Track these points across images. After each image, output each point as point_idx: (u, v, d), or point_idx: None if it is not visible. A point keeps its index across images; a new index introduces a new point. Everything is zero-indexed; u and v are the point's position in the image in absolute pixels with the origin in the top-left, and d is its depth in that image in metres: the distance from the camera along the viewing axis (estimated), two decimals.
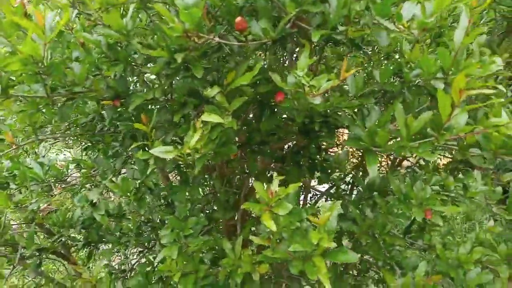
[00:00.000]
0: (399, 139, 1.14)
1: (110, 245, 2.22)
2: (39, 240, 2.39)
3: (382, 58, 2.83)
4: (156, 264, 1.93)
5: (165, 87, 1.30)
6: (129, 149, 1.33)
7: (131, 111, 1.23)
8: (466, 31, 0.99)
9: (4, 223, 1.99)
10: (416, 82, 1.27)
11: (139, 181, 1.43)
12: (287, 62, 2.46)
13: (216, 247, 1.76)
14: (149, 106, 1.36)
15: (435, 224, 1.87)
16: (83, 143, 3.29)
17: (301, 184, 2.15)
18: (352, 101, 1.31)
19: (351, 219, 1.67)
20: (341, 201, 1.08)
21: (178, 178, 2.35)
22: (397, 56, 2.41)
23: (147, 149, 1.35)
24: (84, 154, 2.73)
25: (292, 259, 1.15)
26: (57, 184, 1.89)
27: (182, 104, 1.25)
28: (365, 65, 2.36)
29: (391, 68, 1.31)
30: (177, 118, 1.19)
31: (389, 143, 1.14)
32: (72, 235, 2.11)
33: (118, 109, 1.24)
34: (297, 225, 1.11)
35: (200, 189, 2.34)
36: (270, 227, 0.97)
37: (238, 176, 2.67)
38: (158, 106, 1.33)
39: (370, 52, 2.22)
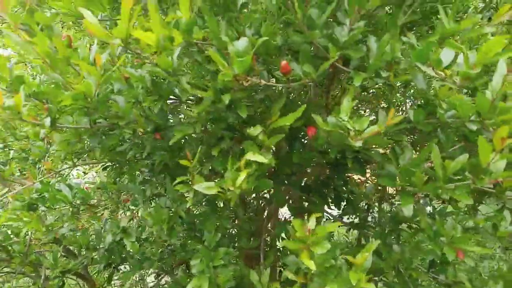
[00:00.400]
0: (433, 180, 1.16)
1: (129, 267, 2.24)
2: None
3: (399, 86, 2.87)
4: None
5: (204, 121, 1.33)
6: (164, 177, 1.35)
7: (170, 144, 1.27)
8: (503, 76, 1.02)
9: (29, 244, 2.02)
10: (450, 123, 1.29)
11: (170, 209, 1.45)
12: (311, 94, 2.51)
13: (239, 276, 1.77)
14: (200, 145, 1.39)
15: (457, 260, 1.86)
16: (103, 163, 3.34)
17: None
18: (384, 139, 1.33)
19: (375, 252, 1.67)
20: (378, 241, 1.08)
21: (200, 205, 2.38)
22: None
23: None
24: (106, 175, 2.78)
25: None
26: (83, 207, 1.93)
27: (218, 139, 1.29)
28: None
29: (425, 108, 1.33)
30: (215, 152, 1.22)
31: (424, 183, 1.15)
32: (95, 256, 2.13)
33: (157, 141, 1.28)
34: (332, 263, 1.12)
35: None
36: (310, 266, 0.98)
37: (257, 202, 2.68)
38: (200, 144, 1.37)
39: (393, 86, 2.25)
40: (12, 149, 2.42)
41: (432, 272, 1.86)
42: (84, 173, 4.64)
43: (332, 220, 3.45)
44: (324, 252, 1.13)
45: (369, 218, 2.07)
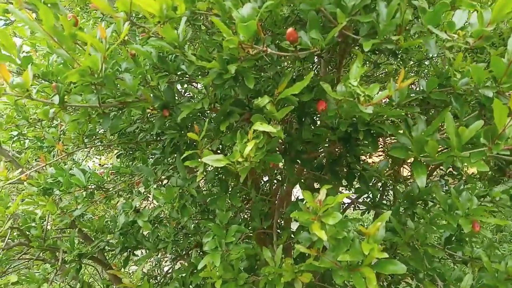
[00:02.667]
0: (447, 148, 1.13)
1: (146, 251, 2.26)
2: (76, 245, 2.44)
3: (412, 65, 2.81)
4: (191, 270, 1.95)
5: (212, 97, 1.32)
6: (175, 156, 1.35)
7: (177, 121, 1.26)
8: None
9: (46, 228, 2.06)
10: (463, 91, 1.25)
11: (181, 188, 1.46)
12: (321, 72, 2.47)
13: (250, 256, 1.77)
14: (195, 116, 1.38)
15: (474, 236, 1.82)
16: (117, 151, 3.37)
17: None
18: (396, 110, 1.30)
19: (390, 229, 1.65)
20: (390, 212, 1.06)
21: (212, 186, 2.39)
22: (434, 63, 2.39)
23: (190, 157, 1.38)
24: (120, 161, 2.80)
25: (338, 269, 1.15)
26: (97, 191, 1.95)
27: (227, 114, 1.27)
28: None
29: (437, 77, 1.30)
30: (224, 127, 1.21)
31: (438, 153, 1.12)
32: (111, 241, 2.17)
33: (166, 119, 1.27)
34: (344, 234, 1.10)
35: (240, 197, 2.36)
36: (321, 236, 0.97)
37: (269, 184, 2.68)
38: (202, 115, 1.36)
39: (404, 61, 2.20)
40: (27, 138, 2.45)
41: (448, 249, 1.83)
42: (100, 165, 4.70)
43: (347, 204, 3.42)
44: (336, 224, 1.11)
45: (384, 198, 2.05)
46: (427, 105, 1.76)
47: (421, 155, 1.16)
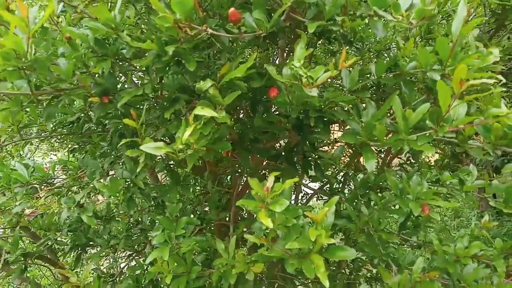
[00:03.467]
0: (396, 132, 1.12)
1: (99, 249, 2.16)
2: (24, 244, 2.30)
3: (372, 56, 2.83)
4: (146, 267, 1.88)
5: (155, 83, 1.26)
6: (118, 147, 1.27)
7: (120, 109, 1.18)
8: (463, 21, 0.97)
9: None
10: (412, 75, 1.25)
11: (128, 181, 1.38)
12: (278, 59, 2.43)
13: (208, 248, 1.73)
14: (139, 104, 1.31)
15: (429, 221, 1.86)
16: (70, 146, 3.21)
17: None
18: (347, 96, 1.29)
19: (345, 216, 1.65)
20: (337, 197, 1.04)
21: (168, 178, 2.31)
22: (390, 53, 2.41)
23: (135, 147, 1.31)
24: (71, 156, 2.66)
25: (288, 258, 1.12)
26: (42, 187, 1.83)
27: (173, 100, 1.21)
28: (357, 62, 2.35)
29: (387, 62, 1.29)
30: (168, 114, 1.14)
31: (386, 137, 1.12)
32: (59, 239, 2.05)
33: (106, 107, 1.19)
34: (293, 222, 1.07)
35: (191, 190, 2.30)
36: (267, 224, 0.93)
37: (229, 176, 2.63)
38: (148, 103, 1.28)
39: (361, 49, 2.20)
40: None
41: (403, 234, 1.86)
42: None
43: (310, 194, 3.44)
44: (285, 211, 1.08)
45: (345, 188, 2.05)
46: (382, 93, 1.77)
47: (370, 140, 1.15)
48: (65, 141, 3.70)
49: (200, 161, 2.31)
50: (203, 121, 1.06)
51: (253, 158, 2.16)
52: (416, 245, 1.90)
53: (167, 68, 1.07)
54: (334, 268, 2.41)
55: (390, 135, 1.14)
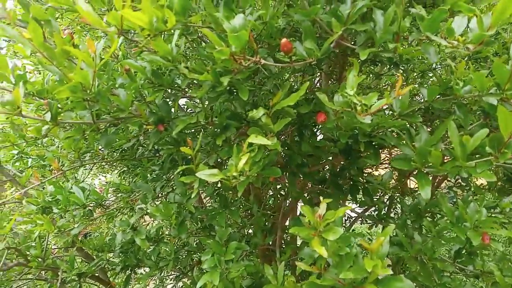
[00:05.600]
0: (452, 158, 1.09)
1: (147, 269, 2.22)
2: (77, 264, 2.40)
3: (416, 76, 2.77)
4: None
5: (207, 111, 1.30)
6: (174, 172, 1.32)
7: (173, 136, 1.23)
8: None
9: (46, 248, 2.02)
10: (466, 99, 1.22)
11: (179, 205, 1.42)
12: (319, 82, 2.44)
13: (254, 273, 1.72)
14: (191, 131, 1.36)
15: (485, 248, 1.75)
16: (120, 168, 3.35)
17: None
18: (398, 120, 1.27)
19: (397, 243, 1.59)
20: (394, 225, 1.02)
21: (216, 202, 2.34)
22: (436, 73, 2.35)
23: (186, 173, 1.35)
24: (121, 178, 2.78)
25: (341, 287, 1.09)
26: (97, 209, 1.92)
27: (224, 127, 1.24)
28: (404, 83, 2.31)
29: (438, 85, 1.26)
30: (220, 141, 1.18)
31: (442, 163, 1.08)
32: (111, 259, 2.12)
33: (161, 134, 1.25)
34: (346, 250, 1.06)
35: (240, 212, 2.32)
36: (322, 253, 0.92)
37: (273, 199, 2.63)
38: (200, 130, 1.33)
39: (407, 71, 2.17)
40: (30, 157, 2.44)
41: (458, 262, 1.77)
42: (107, 182, 4.68)
43: (354, 218, 3.35)
44: (337, 239, 1.07)
45: (391, 212, 1.99)
46: (431, 115, 1.72)
47: (425, 166, 1.12)
48: (114, 164, 3.87)
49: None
50: (256, 148, 1.08)
51: (298, 182, 2.16)
52: (473, 274, 1.79)
53: (220, 96, 1.11)
54: None
55: (445, 161, 1.11)
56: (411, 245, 1.52)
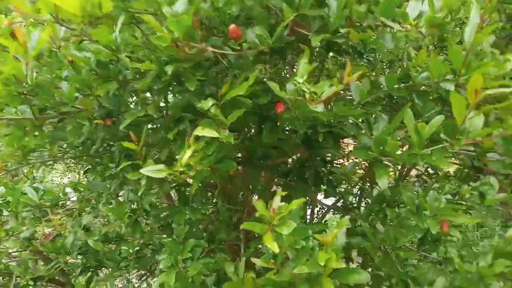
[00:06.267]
0: (409, 147, 1.07)
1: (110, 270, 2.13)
2: (37, 268, 2.29)
3: (385, 66, 2.77)
4: None
5: (160, 104, 1.23)
6: (120, 168, 1.25)
7: (124, 130, 1.16)
8: (477, 27, 0.92)
9: None
10: (425, 86, 1.20)
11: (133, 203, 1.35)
12: (288, 75, 2.40)
13: (219, 270, 1.67)
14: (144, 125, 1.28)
15: (450, 235, 1.77)
16: (85, 166, 3.21)
17: (307, 198, 2.06)
18: (357, 109, 1.24)
19: (361, 233, 1.58)
20: (349, 216, 0.99)
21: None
22: (402, 63, 2.36)
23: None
24: (84, 177, 2.66)
25: (298, 282, 1.06)
26: (53, 209, 1.82)
27: (177, 120, 1.18)
28: (368, 74, 2.30)
29: (398, 73, 1.24)
30: (171, 135, 1.11)
31: (399, 152, 1.06)
32: (73, 261, 2.03)
33: (110, 129, 1.17)
34: (302, 244, 1.02)
35: (203, 209, 2.26)
36: (273, 248, 0.89)
37: (243, 193, 2.58)
38: (151, 124, 1.26)
39: (372, 61, 2.15)
40: None
41: (423, 250, 1.77)
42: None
43: (326, 209, 3.35)
44: (293, 233, 1.03)
45: (350, 199, 1.99)
46: (395, 105, 1.71)
47: (382, 155, 1.09)
48: (80, 162, 3.72)
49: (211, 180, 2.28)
50: (206, 141, 1.03)
51: (265, 176, 2.12)
52: (437, 262, 1.81)
53: (171, 88, 1.04)
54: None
55: (402, 150, 1.09)
56: (374, 235, 1.51)
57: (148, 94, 1.41)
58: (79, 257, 2.02)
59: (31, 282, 1.85)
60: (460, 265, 1.39)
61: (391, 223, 1.55)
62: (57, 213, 1.66)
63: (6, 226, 1.58)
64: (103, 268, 2.15)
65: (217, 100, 0.98)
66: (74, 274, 2.19)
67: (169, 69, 0.89)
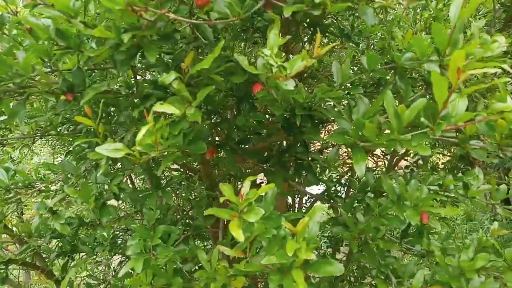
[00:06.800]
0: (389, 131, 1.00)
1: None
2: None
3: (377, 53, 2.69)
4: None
5: (127, 79, 1.15)
6: (74, 146, 1.17)
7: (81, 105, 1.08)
8: (462, 4, 0.85)
9: None
10: (408, 68, 1.13)
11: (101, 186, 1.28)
12: None
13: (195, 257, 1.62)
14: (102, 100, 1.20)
15: (434, 227, 1.72)
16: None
17: (293, 187, 1.99)
18: (337, 91, 1.17)
19: (343, 223, 1.53)
20: (325, 204, 0.93)
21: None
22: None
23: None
24: (66, 157, 2.58)
25: (270, 272, 1.00)
26: (23, 191, 1.74)
27: (144, 97, 1.10)
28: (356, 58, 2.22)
29: (380, 53, 1.17)
30: (136, 112, 1.04)
31: (378, 137, 0.99)
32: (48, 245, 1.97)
33: (70, 104, 1.09)
34: (273, 232, 0.96)
35: (187, 193, 2.20)
36: (238, 237, 0.82)
37: (229, 180, 2.52)
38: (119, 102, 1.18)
39: (360, 44, 2.07)
40: None
41: (406, 243, 1.72)
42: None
43: (313, 199, 3.29)
44: (264, 220, 0.97)
45: (338, 188, 1.93)
46: (379, 88, 1.64)
47: (361, 140, 1.03)
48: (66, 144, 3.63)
49: (196, 163, 2.21)
50: (173, 120, 0.96)
51: (246, 161, 2.05)
52: (420, 254, 1.76)
53: (131, 59, 0.96)
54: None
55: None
56: (355, 225, 1.45)
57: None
58: (53, 241, 1.95)
59: (2, 266, 1.78)
60: (441, 258, 1.34)
61: (373, 213, 1.49)
62: (26, 195, 1.58)
63: None
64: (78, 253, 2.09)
65: (181, 74, 0.90)
66: (48, 258, 2.13)
67: (125, 37, 0.81)
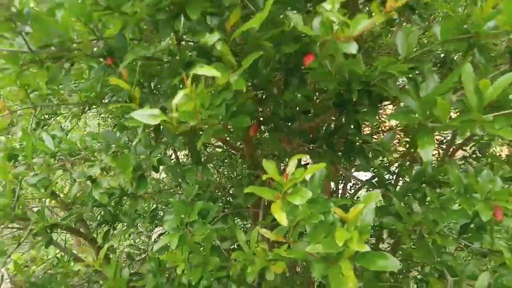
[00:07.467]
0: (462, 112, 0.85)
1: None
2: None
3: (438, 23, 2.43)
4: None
5: (170, 46, 1.08)
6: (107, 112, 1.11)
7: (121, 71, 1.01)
8: None
9: (17, 197, 1.89)
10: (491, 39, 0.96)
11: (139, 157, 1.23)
12: None
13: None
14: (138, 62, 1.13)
15: (497, 224, 1.53)
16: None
17: (341, 172, 1.86)
18: (401, 65, 1.02)
19: (394, 213, 1.39)
20: (380, 190, 0.81)
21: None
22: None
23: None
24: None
25: (313, 260, 0.90)
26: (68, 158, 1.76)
27: (187, 64, 1.02)
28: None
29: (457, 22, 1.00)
30: (177, 80, 0.96)
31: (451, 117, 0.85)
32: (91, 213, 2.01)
33: (109, 69, 1.03)
34: (320, 218, 0.85)
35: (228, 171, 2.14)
36: (280, 220, 0.73)
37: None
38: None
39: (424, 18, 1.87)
40: None
41: (464, 238, 1.55)
42: None
43: (360, 185, 3.12)
44: (311, 204, 0.87)
45: (387, 176, 1.77)
46: (449, 65, 1.45)
47: (429, 120, 0.88)
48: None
49: (236, 142, 2.13)
50: (214, 90, 0.87)
51: (295, 142, 1.94)
52: (479, 253, 1.58)
53: (172, 20, 0.87)
54: None
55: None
56: (409, 216, 1.31)
57: None
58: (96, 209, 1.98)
59: (45, 230, 1.82)
60: (510, 261, 1.18)
61: (431, 205, 1.34)
62: (67, 162, 1.58)
63: (15, 170, 1.52)
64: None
65: (225, 35, 0.81)
66: (91, 226, 2.17)
67: None
